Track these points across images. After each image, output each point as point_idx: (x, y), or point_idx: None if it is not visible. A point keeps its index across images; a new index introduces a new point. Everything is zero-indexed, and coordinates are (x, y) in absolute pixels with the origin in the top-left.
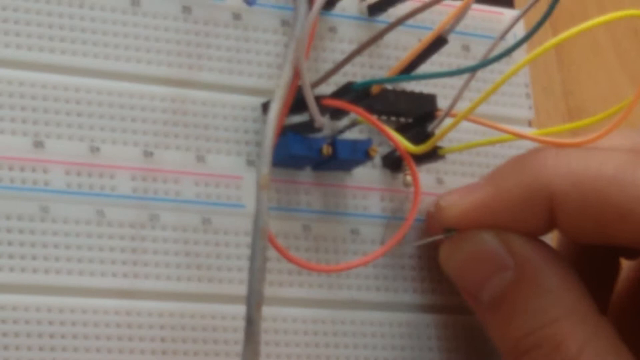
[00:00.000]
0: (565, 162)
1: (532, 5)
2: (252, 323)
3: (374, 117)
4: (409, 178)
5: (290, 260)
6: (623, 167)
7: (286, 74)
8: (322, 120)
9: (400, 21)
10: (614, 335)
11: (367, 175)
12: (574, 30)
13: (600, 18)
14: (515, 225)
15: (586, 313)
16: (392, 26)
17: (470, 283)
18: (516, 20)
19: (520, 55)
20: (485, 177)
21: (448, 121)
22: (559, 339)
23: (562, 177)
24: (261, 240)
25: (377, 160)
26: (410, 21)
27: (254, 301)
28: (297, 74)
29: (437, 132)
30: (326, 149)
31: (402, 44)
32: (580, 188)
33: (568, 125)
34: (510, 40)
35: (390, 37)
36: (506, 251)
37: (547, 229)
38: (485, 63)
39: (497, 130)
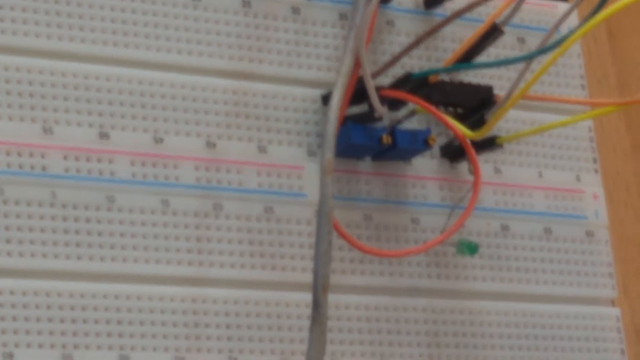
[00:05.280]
0: None
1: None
2: (318, 306)
3: (432, 106)
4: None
5: (354, 245)
6: None
7: (347, 63)
8: (382, 110)
9: (458, 14)
10: None
11: (425, 165)
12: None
13: None
14: None
15: None
16: (450, 19)
17: None
18: (570, 11)
19: (575, 49)
20: None
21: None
22: None
23: None
24: (327, 225)
25: (436, 150)
26: (467, 14)
27: (320, 284)
28: (357, 64)
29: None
30: (386, 138)
31: (458, 37)
32: None
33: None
34: (564, 32)
35: (446, 30)
36: None
37: None
38: (539, 52)
39: (554, 101)
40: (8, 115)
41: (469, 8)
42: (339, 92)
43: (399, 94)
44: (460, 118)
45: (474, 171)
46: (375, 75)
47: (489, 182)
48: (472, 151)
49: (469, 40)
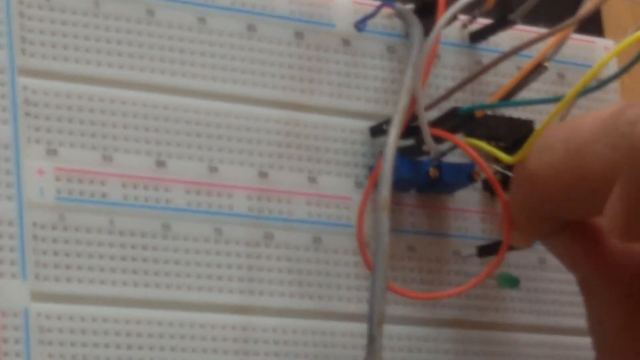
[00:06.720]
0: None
1: (629, 41)
2: (374, 340)
3: (468, 147)
4: None
5: (401, 294)
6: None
7: (403, 100)
8: (434, 145)
9: (516, 51)
10: None
11: (468, 197)
12: None
13: None
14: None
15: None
16: (508, 55)
17: None
18: (613, 55)
19: (614, 86)
20: None
21: None
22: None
23: None
24: (383, 260)
25: (478, 183)
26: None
27: (375, 319)
28: (413, 101)
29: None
30: (433, 172)
31: (500, 71)
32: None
33: None
34: (604, 70)
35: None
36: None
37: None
38: (581, 93)
39: None
40: (70, 142)
41: (526, 46)
42: (396, 129)
43: (442, 134)
44: (503, 151)
45: (502, 206)
46: (427, 108)
47: None
48: (499, 186)
49: (514, 78)
